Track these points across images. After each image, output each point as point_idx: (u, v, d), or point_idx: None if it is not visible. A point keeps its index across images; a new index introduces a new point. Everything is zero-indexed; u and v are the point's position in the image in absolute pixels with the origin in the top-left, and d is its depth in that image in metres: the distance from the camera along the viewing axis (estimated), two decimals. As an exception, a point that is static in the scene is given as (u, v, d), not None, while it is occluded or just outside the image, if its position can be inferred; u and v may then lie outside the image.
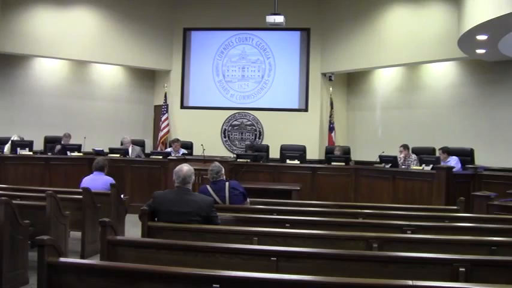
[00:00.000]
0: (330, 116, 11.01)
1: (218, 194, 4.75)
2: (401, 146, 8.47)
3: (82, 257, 5.30)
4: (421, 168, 7.54)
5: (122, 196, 6.21)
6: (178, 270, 2.56)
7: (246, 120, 11.38)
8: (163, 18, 11.46)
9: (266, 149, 10.04)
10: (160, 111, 11.47)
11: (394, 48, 9.75)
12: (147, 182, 8.46)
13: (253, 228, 3.81)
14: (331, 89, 11.16)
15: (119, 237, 3.35)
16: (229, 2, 11.27)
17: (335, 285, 2.37)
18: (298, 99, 11.25)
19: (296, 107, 11.24)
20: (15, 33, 9.82)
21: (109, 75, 11.69)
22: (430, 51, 9.14)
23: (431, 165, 7.32)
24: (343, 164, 8.66)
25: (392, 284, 2.36)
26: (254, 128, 11.36)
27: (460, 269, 2.82)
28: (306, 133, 10.85)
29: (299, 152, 9.19)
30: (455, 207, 5.35)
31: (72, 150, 8.80)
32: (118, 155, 8.78)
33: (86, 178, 6.12)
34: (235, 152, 10.65)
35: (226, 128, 11.47)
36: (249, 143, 10.87)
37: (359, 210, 5.06)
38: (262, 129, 11.31)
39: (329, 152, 9.66)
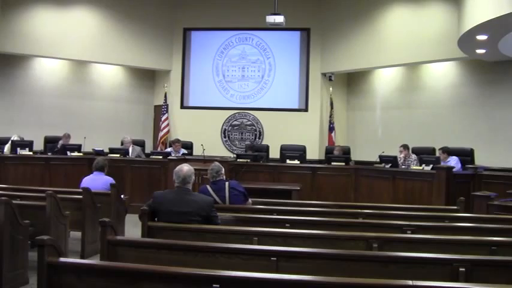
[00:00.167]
0: (330, 116, 11.02)
1: (218, 194, 4.75)
2: (401, 146, 8.47)
3: (82, 257, 5.30)
4: (421, 168, 7.54)
5: (122, 196, 6.21)
6: (178, 270, 2.56)
7: (246, 120, 11.38)
8: (163, 18, 11.46)
9: (266, 149, 10.04)
10: (160, 111, 11.47)
11: (394, 48, 9.75)
12: (147, 182, 8.45)
13: (253, 228, 3.81)
14: (331, 89, 11.16)
15: (119, 237, 3.35)
16: (229, 2, 11.27)
17: (335, 285, 2.37)
18: (298, 99, 11.25)
19: (296, 107, 11.24)
20: (15, 33, 9.82)
21: (109, 75, 11.70)
22: (430, 51, 9.14)
23: (431, 165, 7.32)
24: (343, 164, 8.66)
25: (392, 284, 2.36)
26: (254, 128, 11.36)
27: (460, 269, 2.82)
28: (306, 133, 10.85)
29: (299, 152, 9.19)
30: (455, 207, 5.34)
31: (72, 150, 8.80)
32: (118, 155, 8.78)
33: (86, 178, 6.12)
34: (235, 152, 10.65)
35: (226, 128, 11.47)
36: (249, 143, 10.87)
37: (359, 210, 5.06)
38: (262, 129, 11.31)
39: (329, 152, 9.66)
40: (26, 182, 7.74)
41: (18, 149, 8.40)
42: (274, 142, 10.23)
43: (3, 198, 4.23)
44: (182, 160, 7.93)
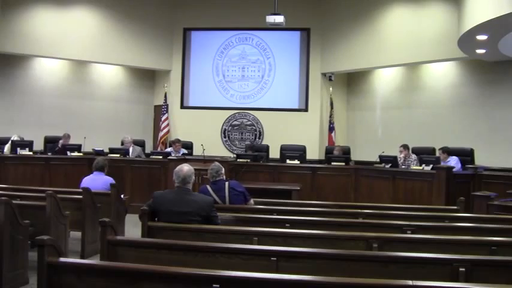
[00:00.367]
0: (330, 116, 11.02)
1: (218, 194, 4.75)
2: (401, 146, 8.47)
3: (82, 257, 5.30)
4: (421, 168, 7.54)
5: (122, 196, 6.21)
6: (178, 270, 2.56)
7: (246, 120, 11.38)
8: (163, 18, 11.46)
9: (266, 149, 10.04)
10: (160, 111, 11.47)
11: (394, 48, 9.75)
12: (147, 182, 8.45)
13: (253, 228, 3.81)
14: (331, 89, 11.16)
15: (119, 237, 3.35)
16: (229, 2, 11.27)
17: (335, 285, 2.37)
18: (298, 99, 11.25)
19: (296, 107, 11.24)
20: (15, 33, 9.82)
21: (109, 75, 11.70)
22: (430, 51, 9.14)
23: (431, 165, 7.32)
24: (343, 164, 8.66)
25: (392, 284, 2.36)
26: (254, 128, 11.36)
27: (460, 269, 2.82)
28: (306, 133, 10.85)
29: (299, 152, 9.19)
30: (455, 207, 5.34)
31: (72, 150, 8.80)
32: (118, 155, 8.78)
33: (86, 178, 6.12)
34: (235, 152, 10.65)
35: (226, 128, 11.47)
36: (249, 143, 10.87)
37: (359, 210, 5.06)
38: (262, 129, 11.31)
39: (329, 152, 9.66)
40: (26, 182, 7.74)
41: (18, 149, 8.40)
42: (274, 142, 10.23)
43: (3, 198, 4.23)
44: (182, 160, 7.93)
